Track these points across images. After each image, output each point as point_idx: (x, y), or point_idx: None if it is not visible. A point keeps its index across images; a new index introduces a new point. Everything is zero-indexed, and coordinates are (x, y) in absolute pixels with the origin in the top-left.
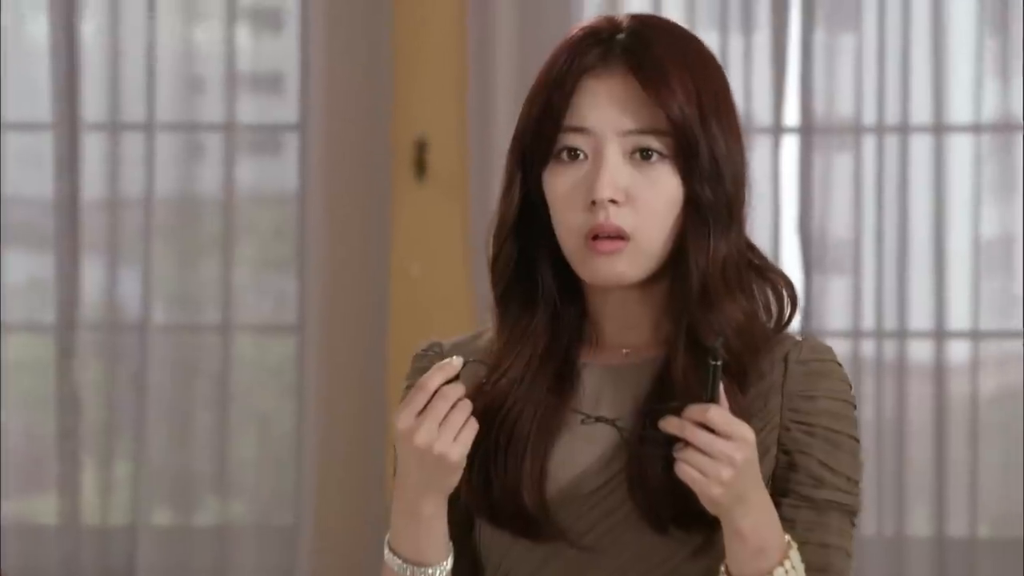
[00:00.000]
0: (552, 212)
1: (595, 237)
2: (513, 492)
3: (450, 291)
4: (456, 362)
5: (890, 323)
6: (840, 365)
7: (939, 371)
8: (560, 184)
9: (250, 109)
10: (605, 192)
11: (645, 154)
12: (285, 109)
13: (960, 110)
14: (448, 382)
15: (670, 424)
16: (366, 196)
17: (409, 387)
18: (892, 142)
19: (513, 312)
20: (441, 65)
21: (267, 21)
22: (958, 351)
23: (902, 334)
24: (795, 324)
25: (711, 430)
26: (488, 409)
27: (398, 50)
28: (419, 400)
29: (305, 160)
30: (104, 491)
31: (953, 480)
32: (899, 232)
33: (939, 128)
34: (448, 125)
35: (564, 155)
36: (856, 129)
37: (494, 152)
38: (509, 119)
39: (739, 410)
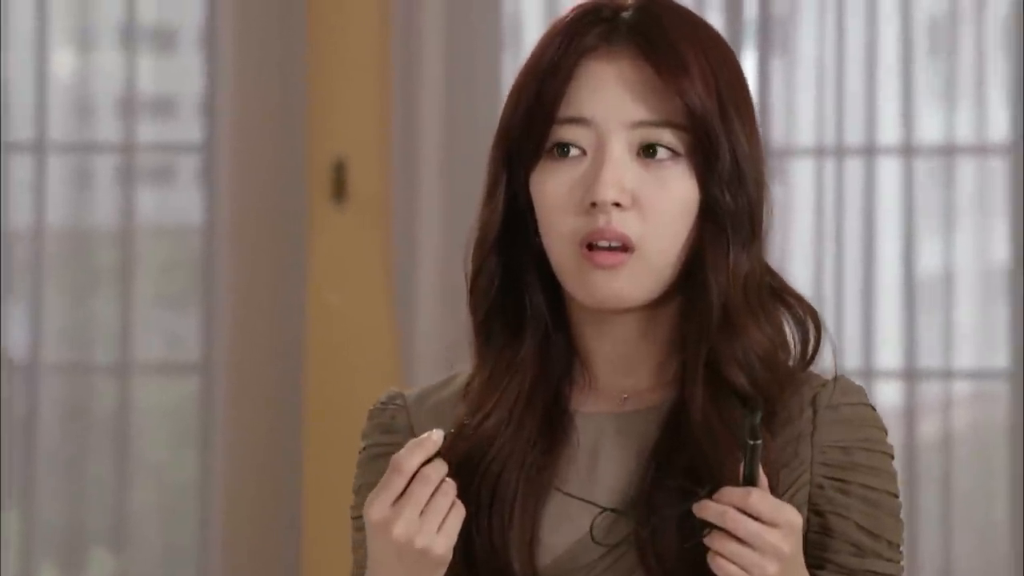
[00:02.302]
0: (541, 218)
1: (591, 247)
2: (500, 562)
3: (372, 324)
4: (436, 436)
5: (853, 362)
6: (874, 409)
7: (909, 414)
8: (552, 185)
9: (149, 132)
10: (608, 193)
11: (654, 151)
12: (188, 131)
13: (928, 129)
14: (428, 460)
15: (707, 510)
16: (279, 222)
17: (367, 448)
18: (855, 165)
19: (496, 341)
20: (361, 78)
21: (166, 39)
22: (929, 392)
23: (868, 374)
24: (827, 360)
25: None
26: (469, 457)
27: (313, 62)
28: (395, 485)
29: (211, 184)
30: None
31: (924, 536)
32: (864, 262)
33: (907, 150)
34: (369, 144)
35: (557, 151)
36: (817, 152)
37: (420, 172)
38: (436, 136)
39: (768, 460)
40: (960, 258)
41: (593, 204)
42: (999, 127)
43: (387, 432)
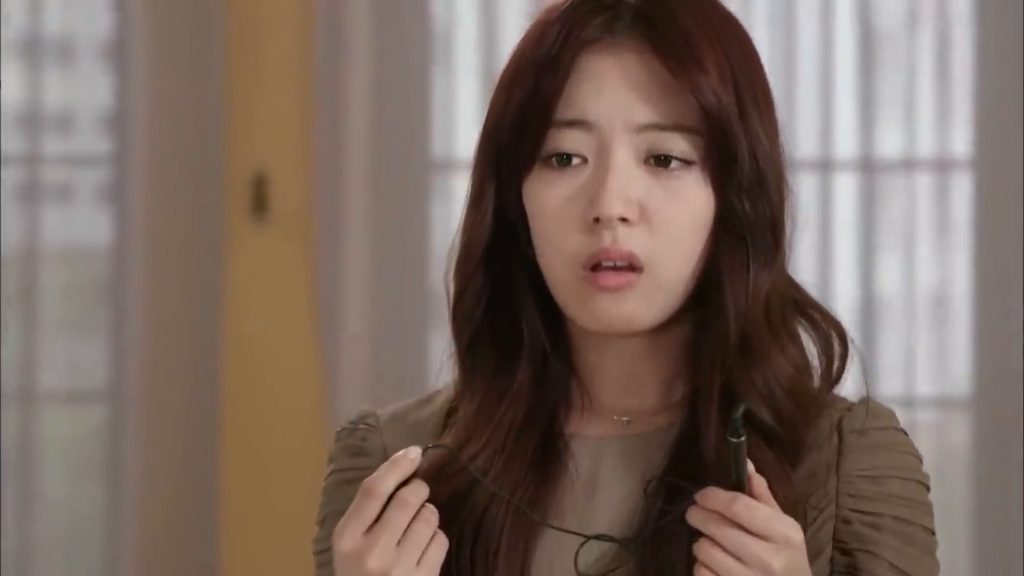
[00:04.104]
0: (536, 232)
1: (596, 267)
2: None
3: (294, 349)
4: (413, 454)
5: None
6: (906, 433)
7: None
8: (550, 197)
9: (53, 147)
10: (613, 207)
11: (664, 159)
12: (94, 146)
13: (887, 143)
14: (405, 482)
15: (692, 515)
16: (194, 239)
17: (335, 473)
18: (811, 181)
19: (485, 367)
20: (283, 86)
21: (68, 50)
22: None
23: None
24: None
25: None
26: (456, 494)
27: (231, 69)
28: (368, 510)
29: (122, 202)
30: None
31: None
32: (819, 283)
33: (867, 165)
34: (291, 156)
35: (556, 160)
36: None
37: (346, 187)
38: (362, 148)
39: (790, 495)
40: (920, 278)
41: (596, 219)
42: (960, 141)
43: (357, 455)
